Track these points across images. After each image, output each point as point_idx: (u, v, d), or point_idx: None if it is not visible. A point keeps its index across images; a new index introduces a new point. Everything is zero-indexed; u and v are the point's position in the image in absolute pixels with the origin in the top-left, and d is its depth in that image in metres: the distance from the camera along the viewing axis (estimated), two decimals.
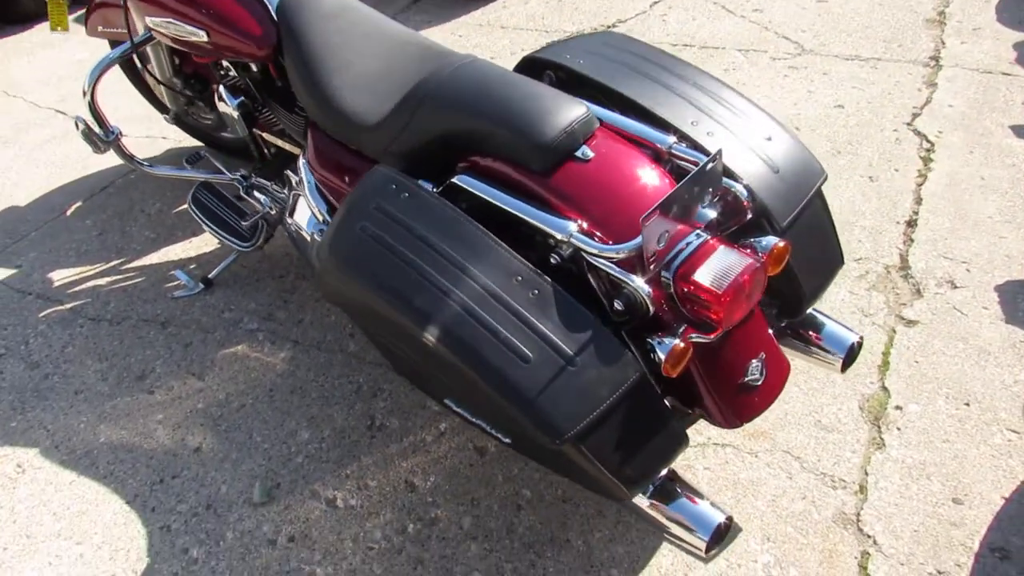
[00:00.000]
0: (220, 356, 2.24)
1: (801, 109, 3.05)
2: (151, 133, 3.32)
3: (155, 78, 2.50)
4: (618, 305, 1.37)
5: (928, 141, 2.81)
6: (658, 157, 1.50)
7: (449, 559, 1.71)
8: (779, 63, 3.39)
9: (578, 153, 1.44)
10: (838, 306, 2.22)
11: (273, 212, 2.27)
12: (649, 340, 1.36)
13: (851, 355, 1.64)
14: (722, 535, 1.43)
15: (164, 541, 1.79)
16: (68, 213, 2.88)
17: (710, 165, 1.33)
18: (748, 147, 1.53)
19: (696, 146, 1.51)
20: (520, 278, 1.36)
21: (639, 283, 1.34)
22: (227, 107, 2.16)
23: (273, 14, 1.94)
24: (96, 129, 2.37)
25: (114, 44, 2.73)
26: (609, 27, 3.86)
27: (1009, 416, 1.90)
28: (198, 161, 2.45)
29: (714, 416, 1.49)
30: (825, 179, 1.56)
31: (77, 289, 2.52)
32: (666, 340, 1.34)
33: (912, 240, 2.41)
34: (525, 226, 1.44)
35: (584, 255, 1.38)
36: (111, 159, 3.12)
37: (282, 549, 1.75)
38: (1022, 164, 2.65)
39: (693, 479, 1.83)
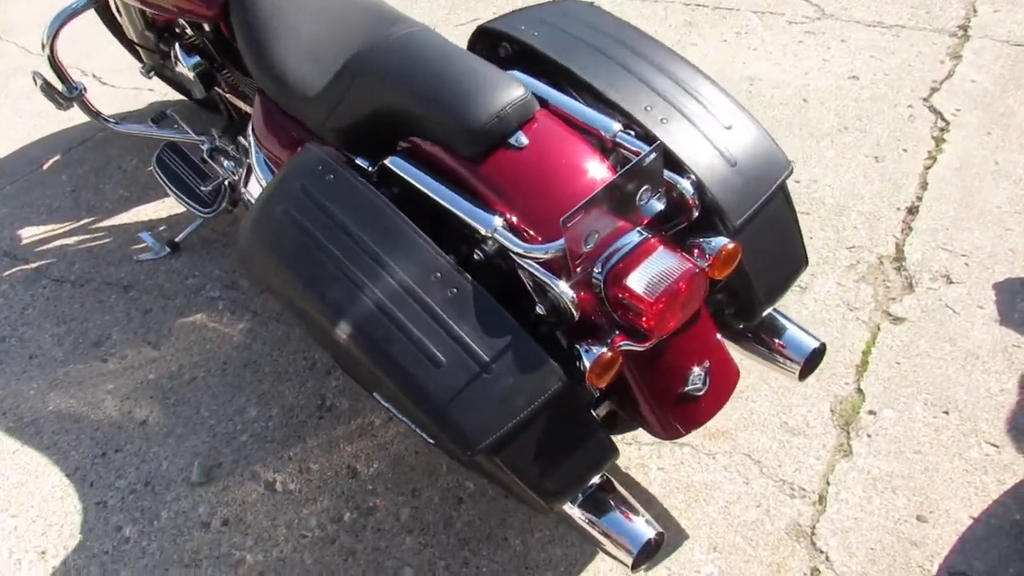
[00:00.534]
0: (178, 325, 2.19)
1: (812, 79, 2.86)
2: (138, 84, 3.24)
3: (129, 30, 2.41)
4: (540, 309, 1.27)
5: (943, 119, 2.61)
6: (603, 146, 1.38)
7: (382, 552, 1.66)
8: (795, 27, 3.18)
9: (511, 140, 1.33)
10: (823, 298, 2.09)
11: (236, 177, 2.19)
12: (577, 346, 1.26)
13: (811, 362, 1.53)
14: (651, 551, 1.35)
15: (99, 518, 1.76)
16: (45, 167, 2.83)
17: (648, 159, 1.21)
18: (704, 136, 1.39)
19: (646, 135, 1.38)
20: (439, 275, 1.26)
21: (563, 288, 1.24)
22: (182, 67, 2.07)
23: None
24: (58, 85, 2.29)
25: None
26: None
27: (990, 428, 1.77)
28: (163, 120, 2.37)
29: (651, 426, 1.40)
30: (790, 173, 1.43)
31: (44, 248, 2.48)
32: (594, 348, 1.25)
33: (911, 229, 2.25)
34: (453, 217, 1.34)
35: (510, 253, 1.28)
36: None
37: (215, 532, 1.71)
38: None
39: (645, 479, 1.75)
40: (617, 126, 1.37)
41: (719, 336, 1.42)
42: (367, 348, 1.24)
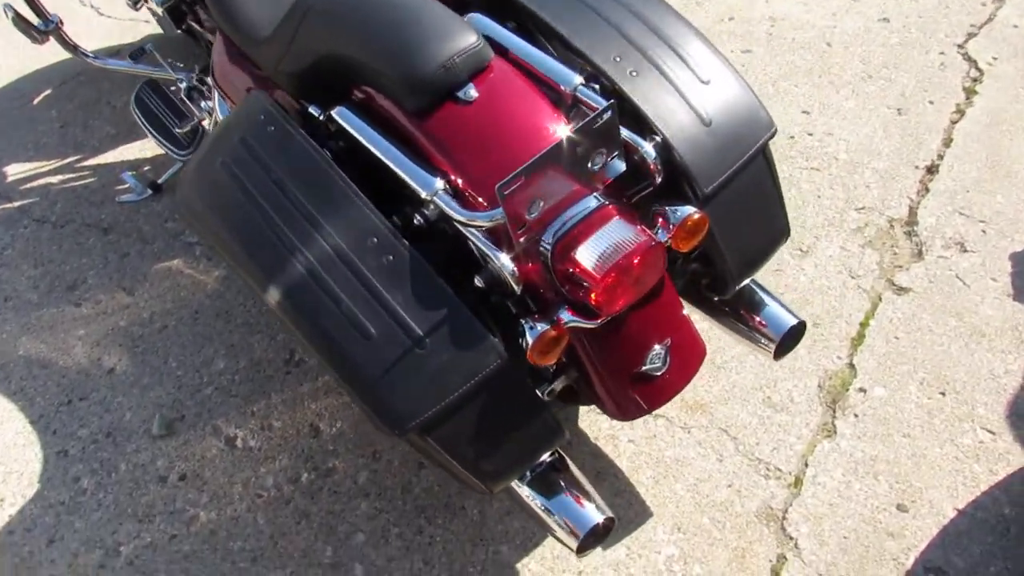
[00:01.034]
0: (154, 270, 2.13)
1: (839, 21, 2.65)
2: (135, 16, 3.13)
3: None
4: (479, 282, 1.17)
5: (977, 69, 2.41)
6: (563, 101, 1.26)
7: (336, 516, 1.62)
8: None
9: (460, 93, 1.21)
10: (823, 263, 1.96)
11: (212, 118, 2.10)
12: (521, 321, 1.17)
13: (788, 341, 1.42)
14: (599, 536, 1.29)
15: (58, 467, 1.74)
16: (35, 102, 2.76)
17: (601, 119, 1.09)
18: (678, 92, 1.26)
19: (613, 89, 1.25)
20: (375, 240, 1.17)
21: (503, 260, 1.14)
22: (152, 2, 1.96)
23: None
24: (33, 19, 2.21)
25: None
26: None
27: (988, 412, 1.65)
28: (143, 56, 2.27)
29: (605, 406, 1.31)
30: (772, 135, 1.29)
31: (28, 187, 2.44)
32: (538, 325, 1.15)
33: (927, 190, 2.09)
34: (396, 177, 1.24)
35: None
36: (89, 42, 2.96)
37: (171, 487, 1.69)
38: None
39: (614, 451, 1.67)
40: (578, 79, 1.24)
41: (684, 311, 1.31)
42: (294, 316, 1.16)
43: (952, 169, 2.13)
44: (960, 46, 2.49)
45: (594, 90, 1.24)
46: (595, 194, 1.18)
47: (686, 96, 1.26)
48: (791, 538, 1.51)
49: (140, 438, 1.78)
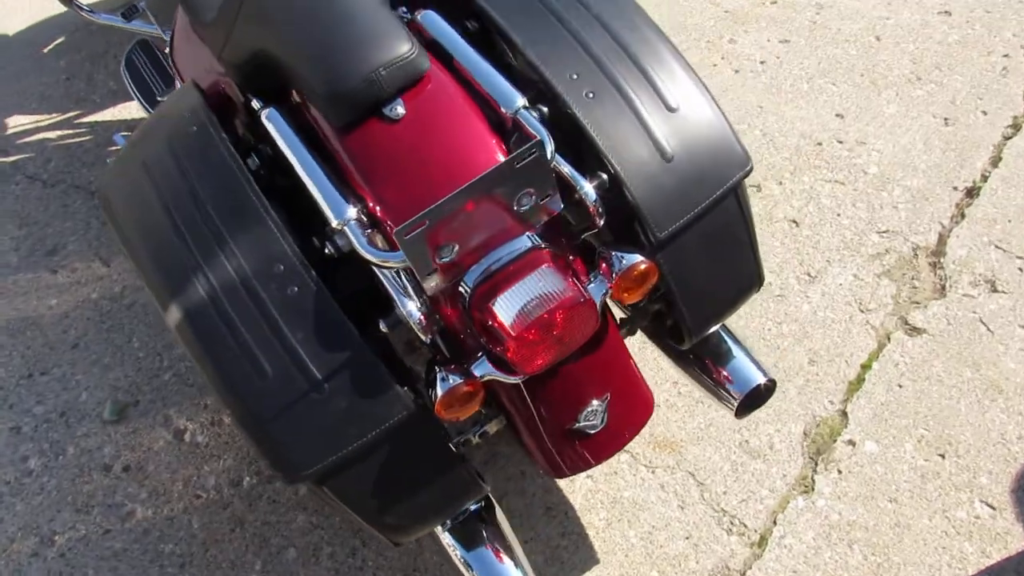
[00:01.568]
0: None
1: (894, 11, 2.39)
2: None
3: None
4: (383, 327, 1.06)
5: None
6: (502, 124, 1.11)
7: (271, 527, 1.55)
8: None
9: (387, 109, 1.08)
10: (832, 291, 1.78)
11: None
12: (436, 369, 1.06)
13: (752, 400, 1.27)
14: None
15: (8, 444, 1.72)
16: (45, 50, 2.71)
17: (527, 158, 0.95)
18: (638, 120, 1.10)
19: (564, 112, 1.10)
20: (282, 268, 1.06)
21: (411, 307, 1.02)
22: None
23: None
24: None
25: None
26: None
27: (991, 483, 1.48)
28: (135, 15, 2.18)
29: (536, 461, 1.19)
30: (747, 173, 1.12)
31: (25, 141, 2.40)
32: (451, 376, 1.04)
33: (963, 216, 1.87)
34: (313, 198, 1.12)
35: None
36: None
37: (113, 478, 1.65)
38: None
39: (569, 486, 1.56)
40: (520, 101, 1.09)
41: (630, 360, 1.18)
42: (189, 341, 1.07)
43: (996, 193, 1.90)
44: None
45: (539, 114, 1.10)
46: (529, 234, 1.05)
47: (648, 125, 1.10)
48: None
49: (91, 421, 1.74)
